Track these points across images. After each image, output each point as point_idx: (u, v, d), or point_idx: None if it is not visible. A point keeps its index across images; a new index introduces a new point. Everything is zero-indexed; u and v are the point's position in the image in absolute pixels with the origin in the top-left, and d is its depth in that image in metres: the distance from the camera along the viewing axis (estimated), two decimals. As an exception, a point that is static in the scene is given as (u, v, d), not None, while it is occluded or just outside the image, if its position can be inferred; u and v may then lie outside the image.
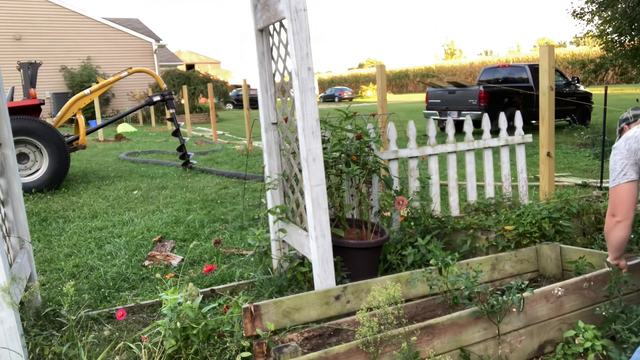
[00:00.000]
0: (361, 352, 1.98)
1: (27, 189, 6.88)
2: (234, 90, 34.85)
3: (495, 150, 4.62)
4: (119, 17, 28.36)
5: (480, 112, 10.36)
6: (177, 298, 2.33)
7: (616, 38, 12.72)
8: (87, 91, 8.56)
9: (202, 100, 25.43)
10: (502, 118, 4.44)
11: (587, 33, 14.06)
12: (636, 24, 11.55)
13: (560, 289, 2.38)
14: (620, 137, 2.38)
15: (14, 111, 7.06)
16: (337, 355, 1.94)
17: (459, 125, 7.97)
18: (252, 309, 2.29)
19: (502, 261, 3.07)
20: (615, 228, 2.27)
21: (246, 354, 2.19)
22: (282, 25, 2.91)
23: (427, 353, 2.05)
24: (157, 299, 3.10)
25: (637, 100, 10.47)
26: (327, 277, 2.67)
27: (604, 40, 13.12)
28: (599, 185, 5.63)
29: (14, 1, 22.32)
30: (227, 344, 2.24)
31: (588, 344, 2.15)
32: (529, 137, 4.51)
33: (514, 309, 2.25)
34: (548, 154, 4.44)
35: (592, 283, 2.45)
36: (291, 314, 2.44)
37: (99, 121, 14.41)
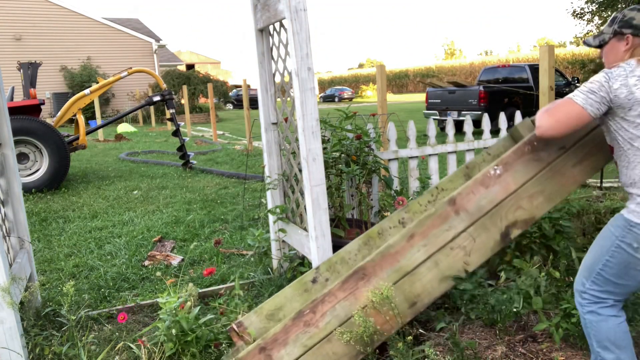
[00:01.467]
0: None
1: (27, 189, 6.88)
2: (234, 90, 34.85)
3: None
4: (119, 17, 28.36)
5: (480, 112, 10.37)
6: (174, 301, 2.33)
7: (616, 38, 12.70)
8: (87, 91, 8.56)
9: (202, 100, 25.42)
10: (502, 118, 4.44)
11: (587, 33, 14.07)
12: (636, 24, 11.54)
13: (496, 167, 2.14)
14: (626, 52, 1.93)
15: (14, 111, 7.06)
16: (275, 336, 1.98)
17: (459, 125, 7.99)
18: (236, 327, 2.29)
19: (475, 167, 2.78)
20: (545, 124, 1.92)
21: None
22: (282, 25, 2.91)
23: (366, 297, 2.00)
24: (157, 299, 3.10)
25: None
26: (327, 277, 2.68)
27: (604, 40, 13.10)
28: (599, 185, 5.63)
29: (14, 1, 22.32)
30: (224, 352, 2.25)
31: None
32: (529, 137, 4.52)
33: (451, 212, 2.08)
34: (548, 154, 4.44)
35: (535, 143, 2.15)
36: (276, 315, 2.42)
37: (99, 121, 14.41)
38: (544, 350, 2.35)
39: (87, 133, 8.90)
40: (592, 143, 2.23)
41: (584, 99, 1.87)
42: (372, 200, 3.66)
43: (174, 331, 2.23)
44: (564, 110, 1.90)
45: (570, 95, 1.91)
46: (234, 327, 2.28)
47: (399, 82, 50.96)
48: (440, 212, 2.11)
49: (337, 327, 1.99)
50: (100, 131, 14.87)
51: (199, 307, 2.43)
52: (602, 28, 2.03)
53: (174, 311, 2.29)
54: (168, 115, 10.67)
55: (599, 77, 1.90)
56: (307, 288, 2.48)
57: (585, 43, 2.11)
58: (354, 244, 2.46)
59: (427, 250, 2.09)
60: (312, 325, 1.99)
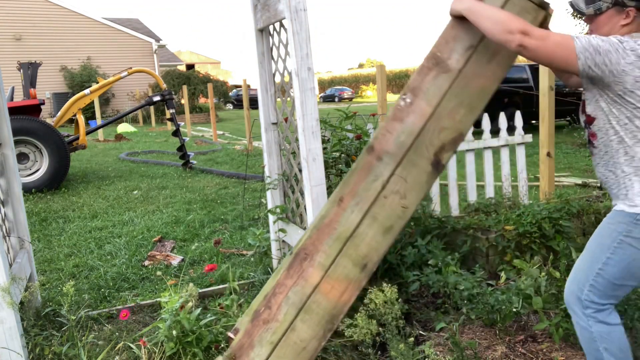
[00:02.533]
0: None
1: (27, 189, 6.88)
2: (234, 90, 34.85)
3: (495, 151, 4.62)
4: (119, 17, 28.36)
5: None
6: (175, 301, 2.33)
7: (616, 38, 12.70)
8: (87, 91, 8.56)
9: (202, 100, 25.42)
10: (502, 118, 4.44)
11: (587, 33, 14.05)
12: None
13: (404, 96, 1.94)
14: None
15: (14, 111, 7.06)
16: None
17: (459, 125, 7.98)
18: (232, 335, 2.24)
19: None
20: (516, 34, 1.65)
21: None
22: (282, 25, 2.91)
23: (315, 275, 1.93)
24: (157, 299, 3.10)
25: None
26: (327, 277, 2.67)
27: (604, 40, 13.11)
28: (599, 185, 5.63)
29: (14, 1, 22.31)
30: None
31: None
32: (529, 137, 4.51)
33: (373, 160, 1.95)
34: (548, 154, 4.44)
35: (439, 54, 1.92)
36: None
37: (99, 121, 14.41)
38: (544, 350, 2.35)
39: (87, 133, 8.90)
40: None
41: (583, 48, 1.62)
42: (372, 200, 3.66)
43: (174, 332, 2.23)
44: (560, 41, 1.64)
45: (573, 35, 1.67)
46: (231, 335, 2.26)
47: (399, 82, 50.88)
48: (362, 165, 1.93)
49: (296, 314, 1.91)
50: (100, 131, 14.87)
51: (199, 309, 2.43)
52: None
53: (175, 311, 2.29)
54: (168, 115, 10.66)
55: (613, 39, 1.64)
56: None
57: (573, 5, 1.84)
58: (307, 231, 2.27)
59: (361, 208, 1.92)
60: (272, 321, 1.93)
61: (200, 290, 3.13)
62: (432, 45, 1.93)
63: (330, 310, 1.90)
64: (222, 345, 2.32)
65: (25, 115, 7.14)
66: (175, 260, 4.02)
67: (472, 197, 4.26)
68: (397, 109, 1.93)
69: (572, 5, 1.86)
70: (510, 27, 1.64)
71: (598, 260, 1.77)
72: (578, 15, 13.48)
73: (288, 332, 1.91)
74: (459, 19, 1.86)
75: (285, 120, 3.15)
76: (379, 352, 2.33)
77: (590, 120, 1.78)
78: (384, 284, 2.13)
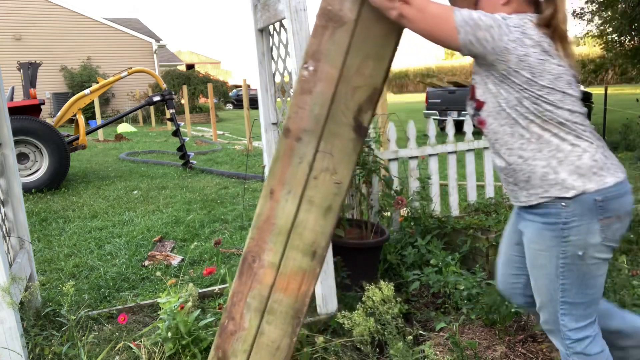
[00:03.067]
0: None
1: (27, 189, 6.88)
2: (234, 90, 34.84)
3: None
4: (119, 17, 28.36)
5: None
6: (174, 301, 2.33)
7: (616, 38, 12.71)
8: (87, 91, 8.56)
9: (202, 100, 25.42)
10: (502, 118, 4.44)
11: (587, 33, 14.05)
12: (636, 24, 11.55)
13: (306, 65, 1.74)
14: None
15: (14, 111, 7.06)
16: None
17: (459, 125, 7.99)
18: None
19: None
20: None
21: None
22: (282, 25, 2.91)
23: (268, 275, 1.87)
24: (157, 299, 3.10)
25: (637, 100, 10.49)
26: (327, 277, 2.67)
27: (604, 40, 13.12)
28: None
29: (14, 1, 22.31)
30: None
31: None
32: (529, 137, 4.51)
33: (293, 143, 1.81)
34: (548, 154, 4.44)
35: (329, 7, 1.72)
36: None
37: (99, 121, 14.41)
38: (544, 350, 2.35)
39: (87, 133, 8.90)
40: None
41: (464, 22, 1.49)
42: (372, 200, 3.65)
43: (170, 334, 2.23)
44: (439, 13, 1.51)
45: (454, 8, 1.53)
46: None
47: (399, 82, 50.93)
48: (283, 150, 1.80)
49: (260, 317, 1.86)
50: (100, 131, 14.87)
51: (199, 310, 2.43)
52: None
53: (174, 312, 2.30)
54: (168, 115, 10.66)
55: (496, 15, 1.53)
56: None
57: None
58: (249, 232, 2.09)
59: (294, 195, 1.80)
60: (239, 330, 1.88)
61: (200, 291, 3.12)
62: (321, 1, 1.71)
63: (293, 305, 1.84)
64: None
65: (25, 115, 7.14)
66: (175, 260, 4.02)
67: (472, 197, 4.26)
68: (302, 81, 1.74)
69: None
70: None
71: (556, 290, 1.62)
72: (578, 16, 13.43)
73: (257, 337, 1.87)
74: None
75: (285, 120, 3.14)
76: (378, 350, 2.33)
77: (479, 105, 1.66)
78: (382, 283, 2.13)
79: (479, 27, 1.48)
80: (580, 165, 1.53)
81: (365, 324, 1.99)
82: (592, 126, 1.64)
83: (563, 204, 1.53)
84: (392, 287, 2.06)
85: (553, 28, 1.54)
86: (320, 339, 2.36)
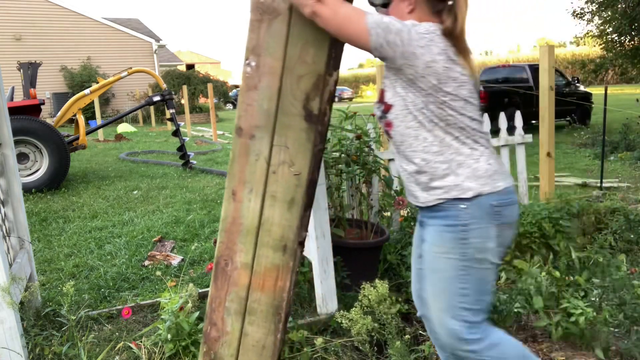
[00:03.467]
0: None
1: (27, 189, 6.87)
2: (234, 90, 34.83)
3: (495, 150, 4.62)
4: (119, 17, 28.35)
5: (480, 112, 10.36)
6: (176, 301, 2.33)
7: (616, 38, 12.71)
8: (87, 91, 8.56)
9: (202, 100, 25.41)
10: (502, 118, 4.44)
11: (587, 33, 14.06)
12: (636, 24, 11.55)
13: (247, 61, 1.74)
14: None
15: (14, 111, 7.06)
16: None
17: (459, 125, 7.98)
18: None
19: None
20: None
21: None
22: (282, 25, 2.90)
23: (243, 276, 1.86)
24: (157, 299, 3.10)
25: (637, 100, 10.49)
26: (327, 277, 2.68)
27: (604, 40, 13.13)
28: (599, 185, 5.63)
29: (14, 1, 22.30)
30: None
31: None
32: (529, 137, 4.51)
33: (246, 141, 1.81)
34: (548, 154, 4.44)
35: (262, 1, 1.71)
36: None
37: (99, 121, 14.41)
38: (544, 350, 2.35)
39: (87, 133, 8.90)
40: None
41: (376, 24, 1.54)
42: (372, 200, 3.65)
43: (169, 335, 2.23)
44: (351, 14, 1.54)
45: (366, 13, 1.57)
46: None
47: (399, 82, 50.84)
48: (239, 150, 1.79)
49: (242, 319, 1.85)
50: (100, 131, 14.87)
51: (199, 311, 2.44)
52: None
53: (175, 312, 2.30)
54: (168, 115, 10.66)
55: (407, 22, 1.58)
56: None
57: (369, 2, 1.82)
58: (218, 237, 2.10)
59: (256, 193, 1.80)
60: (223, 335, 1.87)
61: (200, 291, 3.12)
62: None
63: (272, 302, 1.84)
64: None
65: (25, 115, 7.14)
66: (175, 260, 4.02)
67: (472, 197, 4.26)
68: (247, 78, 1.73)
69: (369, 3, 1.81)
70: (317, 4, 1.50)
71: (455, 295, 1.62)
72: (578, 16, 13.37)
73: (242, 339, 1.86)
74: None
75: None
76: (377, 349, 2.33)
77: (387, 108, 1.68)
78: (377, 281, 2.13)
79: (390, 30, 1.52)
80: (478, 168, 1.61)
81: (363, 322, 1.99)
82: (487, 134, 1.71)
83: (462, 205, 1.58)
84: (387, 286, 2.06)
85: (455, 38, 1.61)
86: (318, 340, 2.36)
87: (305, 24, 1.68)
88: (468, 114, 1.62)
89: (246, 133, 1.77)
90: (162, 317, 2.33)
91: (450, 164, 1.61)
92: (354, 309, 2.06)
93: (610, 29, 12.67)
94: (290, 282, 1.85)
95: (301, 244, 1.87)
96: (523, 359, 1.66)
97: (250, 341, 1.85)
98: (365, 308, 2.10)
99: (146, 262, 3.99)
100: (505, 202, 1.60)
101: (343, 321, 2.08)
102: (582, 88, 13.48)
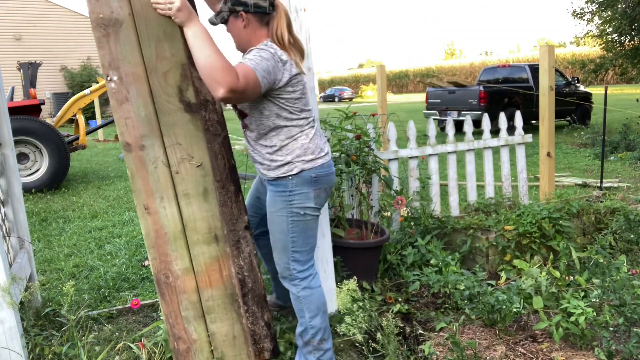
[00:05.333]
0: None
1: (27, 189, 6.88)
2: (234, 90, 34.77)
3: (495, 150, 4.62)
4: (119, 17, 28.31)
5: (480, 112, 10.37)
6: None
7: (616, 38, 12.71)
8: (87, 91, 8.56)
9: (202, 100, 25.35)
10: (502, 118, 4.44)
11: (587, 33, 14.05)
12: (636, 24, 11.54)
13: (108, 76, 1.73)
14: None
15: (14, 111, 7.06)
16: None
17: (459, 125, 8.00)
18: None
19: None
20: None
21: None
22: (282, 25, 2.90)
23: (187, 283, 1.95)
24: (157, 299, 3.10)
25: (637, 100, 10.49)
26: (327, 277, 2.67)
27: (604, 40, 13.12)
28: (599, 185, 5.63)
29: (14, 1, 22.30)
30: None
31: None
32: (529, 137, 4.52)
33: (139, 153, 1.86)
34: (548, 154, 4.44)
35: (101, 15, 1.74)
36: None
37: (99, 121, 14.40)
38: (544, 350, 2.35)
39: (87, 133, 8.90)
40: None
41: (262, 77, 1.84)
42: (372, 200, 3.65)
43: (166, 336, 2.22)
44: (252, 76, 1.80)
45: (250, 65, 1.80)
46: None
47: (399, 82, 50.94)
48: (134, 165, 1.77)
49: (204, 322, 1.86)
50: (100, 131, 14.87)
51: None
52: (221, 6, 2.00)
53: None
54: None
55: (268, 55, 1.89)
56: None
57: (210, 22, 2.00)
58: (149, 256, 2.08)
59: (168, 198, 1.80)
60: (192, 344, 1.87)
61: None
62: (90, 14, 1.71)
63: (225, 293, 1.87)
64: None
65: (25, 115, 7.14)
66: (175, 260, 4.02)
67: (472, 197, 4.26)
68: (114, 93, 1.72)
69: (210, 22, 2.01)
70: (219, 80, 1.69)
71: (287, 242, 2.10)
72: (578, 16, 13.41)
73: (212, 339, 1.87)
74: None
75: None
76: (376, 349, 2.33)
77: (243, 114, 2.07)
78: (363, 282, 2.13)
79: (269, 73, 1.87)
80: (305, 150, 2.05)
81: (358, 325, 2.01)
82: (316, 120, 2.30)
83: (290, 178, 2.04)
84: (355, 282, 2.23)
85: (283, 44, 1.99)
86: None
87: (150, 23, 1.72)
88: (303, 107, 2.06)
89: (135, 146, 1.76)
90: (162, 317, 2.33)
91: (288, 148, 2.04)
92: (353, 308, 2.07)
93: (610, 29, 12.66)
94: (236, 266, 1.87)
95: (246, 227, 1.92)
96: (321, 310, 2.18)
97: (219, 338, 1.87)
98: (364, 309, 2.11)
99: (146, 262, 3.99)
100: (322, 173, 2.09)
101: (339, 329, 2.09)
102: (582, 88, 13.48)
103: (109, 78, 1.73)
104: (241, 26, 1.98)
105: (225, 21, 2.00)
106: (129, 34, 1.71)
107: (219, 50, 1.74)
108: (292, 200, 2.05)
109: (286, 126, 2.01)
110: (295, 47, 2.05)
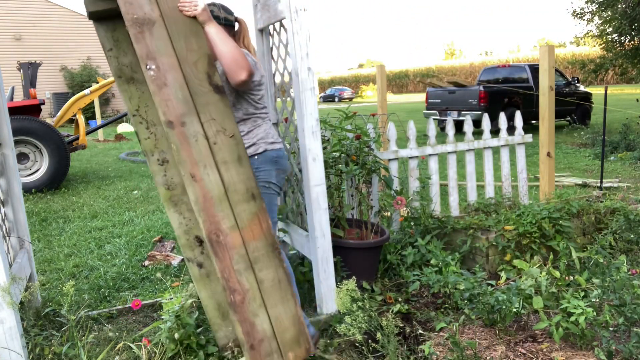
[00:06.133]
0: None
1: (27, 189, 6.88)
2: (234, 90, 34.80)
3: (495, 150, 4.62)
4: (119, 17, 28.33)
5: (480, 112, 10.37)
6: (178, 301, 2.33)
7: (616, 38, 12.70)
8: (87, 91, 8.56)
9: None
10: (502, 118, 4.44)
11: (587, 33, 14.05)
12: (636, 24, 11.54)
13: (148, 66, 2.00)
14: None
15: (14, 111, 7.06)
16: None
17: (459, 125, 8.00)
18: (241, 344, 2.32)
19: None
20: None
21: None
22: (282, 25, 2.91)
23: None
24: (157, 299, 3.10)
25: (637, 100, 10.49)
26: (328, 277, 2.68)
27: (604, 40, 13.12)
28: (599, 185, 5.63)
29: (14, 1, 22.31)
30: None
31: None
32: (529, 137, 4.52)
33: (181, 131, 2.13)
34: (548, 154, 4.44)
35: (135, 16, 2.03)
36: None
37: (99, 121, 14.41)
38: (544, 350, 2.35)
39: (87, 133, 8.90)
40: None
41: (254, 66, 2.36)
42: (372, 200, 3.65)
43: (177, 335, 2.22)
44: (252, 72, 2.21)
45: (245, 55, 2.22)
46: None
47: (399, 82, 50.94)
48: (178, 140, 2.02)
49: (253, 272, 2.06)
50: (100, 131, 14.87)
51: (197, 313, 2.43)
52: None
53: (176, 312, 2.29)
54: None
55: (251, 59, 2.36)
56: (204, 276, 2.35)
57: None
58: (198, 220, 2.17)
59: (210, 166, 2.04)
60: (245, 294, 2.04)
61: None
62: (124, 15, 2.01)
63: (267, 242, 2.08)
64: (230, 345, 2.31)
65: (25, 115, 7.14)
66: (175, 260, 4.01)
67: (472, 197, 4.26)
68: (154, 80, 2.00)
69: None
70: (243, 65, 2.14)
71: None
72: (578, 16, 13.40)
73: (260, 287, 2.05)
74: None
75: (285, 120, 3.15)
76: (373, 346, 2.33)
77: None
78: (363, 282, 2.13)
79: (255, 67, 2.35)
80: (267, 135, 2.48)
81: (358, 324, 2.01)
82: (272, 112, 3.01)
83: (256, 157, 2.42)
84: (355, 282, 2.21)
85: (250, 50, 2.50)
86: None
87: (177, 22, 2.05)
88: (262, 102, 2.51)
89: (177, 123, 2.02)
90: (163, 317, 2.33)
91: (254, 133, 2.47)
92: (353, 308, 2.07)
93: (610, 29, 12.66)
94: (271, 221, 2.15)
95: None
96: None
97: (267, 284, 2.06)
98: (364, 309, 2.11)
99: (146, 262, 3.99)
100: (280, 156, 2.51)
101: (339, 329, 2.09)
102: (582, 88, 13.48)
103: (148, 67, 1.99)
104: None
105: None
106: (161, 30, 2.02)
107: (235, 43, 2.17)
108: (258, 175, 2.39)
109: (253, 116, 2.46)
110: (255, 55, 2.57)
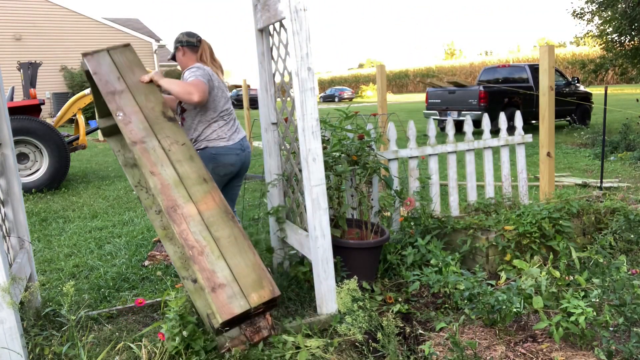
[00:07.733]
0: None
1: (27, 189, 6.88)
2: (234, 90, 34.74)
3: (495, 150, 4.62)
4: (119, 17, 28.33)
5: (480, 112, 10.37)
6: (181, 301, 2.32)
7: (616, 38, 12.70)
8: (87, 91, 8.55)
9: (202, 100, 25.36)
10: (502, 118, 4.44)
11: (587, 33, 14.04)
12: (636, 24, 11.54)
13: (117, 114, 2.67)
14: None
15: (14, 111, 7.06)
16: None
17: (459, 125, 8.00)
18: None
19: None
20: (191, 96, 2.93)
21: None
22: (282, 25, 2.91)
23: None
24: (157, 299, 3.10)
25: (637, 100, 10.49)
26: (327, 277, 2.67)
27: (604, 40, 13.11)
28: (599, 185, 5.63)
29: (14, 1, 22.30)
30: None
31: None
32: (529, 137, 4.52)
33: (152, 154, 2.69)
34: (548, 154, 4.44)
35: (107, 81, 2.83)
36: None
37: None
38: (544, 350, 2.35)
39: (87, 133, 8.89)
40: None
41: (207, 80, 3.08)
42: (372, 200, 3.65)
43: (185, 333, 2.22)
44: (201, 82, 3.00)
45: (194, 77, 3.03)
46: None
47: (399, 82, 50.93)
48: (139, 152, 2.55)
49: (209, 232, 2.38)
50: (100, 131, 14.85)
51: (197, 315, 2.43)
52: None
53: (179, 311, 2.28)
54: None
55: (201, 72, 3.09)
56: (198, 289, 2.57)
57: (170, 58, 3.38)
58: (157, 198, 2.59)
59: (166, 165, 2.53)
60: (204, 248, 2.32)
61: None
62: (102, 91, 2.75)
63: (219, 210, 2.44)
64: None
65: (25, 115, 7.14)
66: (175, 260, 4.01)
67: (472, 197, 4.26)
68: (121, 121, 2.65)
69: (169, 58, 3.51)
70: (192, 91, 2.93)
71: None
72: (578, 16, 13.39)
73: (217, 243, 2.33)
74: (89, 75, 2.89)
75: (285, 120, 3.15)
76: (374, 346, 2.33)
77: (184, 110, 3.27)
78: (363, 282, 2.13)
79: (208, 79, 3.11)
80: (213, 134, 3.21)
81: (358, 324, 2.00)
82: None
83: (198, 152, 3.03)
84: (355, 282, 2.23)
85: (207, 63, 3.27)
86: (312, 343, 2.35)
87: (139, 89, 2.80)
88: (222, 108, 3.23)
89: (139, 142, 2.60)
90: (167, 315, 2.32)
91: (205, 135, 3.22)
92: (353, 308, 2.06)
93: (610, 29, 12.66)
94: (220, 193, 2.52)
95: None
96: None
97: (224, 240, 2.37)
98: (364, 309, 2.11)
99: (146, 262, 3.99)
100: (220, 153, 3.20)
101: (339, 328, 2.09)
102: (582, 88, 13.48)
103: (117, 115, 2.66)
104: (181, 55, 3.30)
105: (174, 56, 3.33)
106: (127, 95, 2.77)
107: (180, 82, 3.05)
108: (207, 165, 2.93)
109: (212, 120, 3.20)
110: (216, 66, 3.33)
